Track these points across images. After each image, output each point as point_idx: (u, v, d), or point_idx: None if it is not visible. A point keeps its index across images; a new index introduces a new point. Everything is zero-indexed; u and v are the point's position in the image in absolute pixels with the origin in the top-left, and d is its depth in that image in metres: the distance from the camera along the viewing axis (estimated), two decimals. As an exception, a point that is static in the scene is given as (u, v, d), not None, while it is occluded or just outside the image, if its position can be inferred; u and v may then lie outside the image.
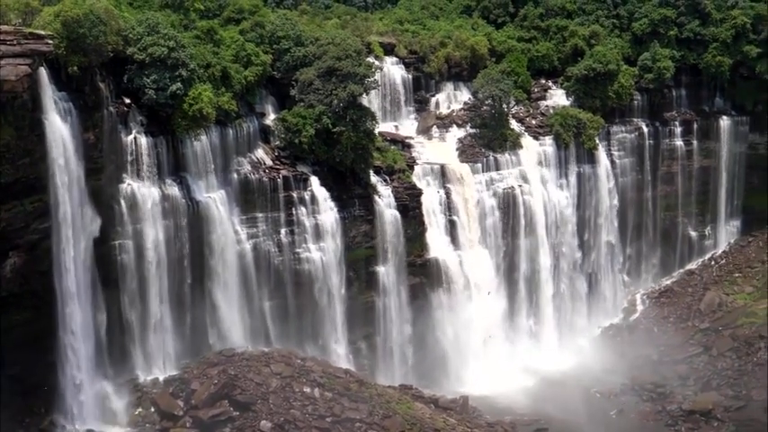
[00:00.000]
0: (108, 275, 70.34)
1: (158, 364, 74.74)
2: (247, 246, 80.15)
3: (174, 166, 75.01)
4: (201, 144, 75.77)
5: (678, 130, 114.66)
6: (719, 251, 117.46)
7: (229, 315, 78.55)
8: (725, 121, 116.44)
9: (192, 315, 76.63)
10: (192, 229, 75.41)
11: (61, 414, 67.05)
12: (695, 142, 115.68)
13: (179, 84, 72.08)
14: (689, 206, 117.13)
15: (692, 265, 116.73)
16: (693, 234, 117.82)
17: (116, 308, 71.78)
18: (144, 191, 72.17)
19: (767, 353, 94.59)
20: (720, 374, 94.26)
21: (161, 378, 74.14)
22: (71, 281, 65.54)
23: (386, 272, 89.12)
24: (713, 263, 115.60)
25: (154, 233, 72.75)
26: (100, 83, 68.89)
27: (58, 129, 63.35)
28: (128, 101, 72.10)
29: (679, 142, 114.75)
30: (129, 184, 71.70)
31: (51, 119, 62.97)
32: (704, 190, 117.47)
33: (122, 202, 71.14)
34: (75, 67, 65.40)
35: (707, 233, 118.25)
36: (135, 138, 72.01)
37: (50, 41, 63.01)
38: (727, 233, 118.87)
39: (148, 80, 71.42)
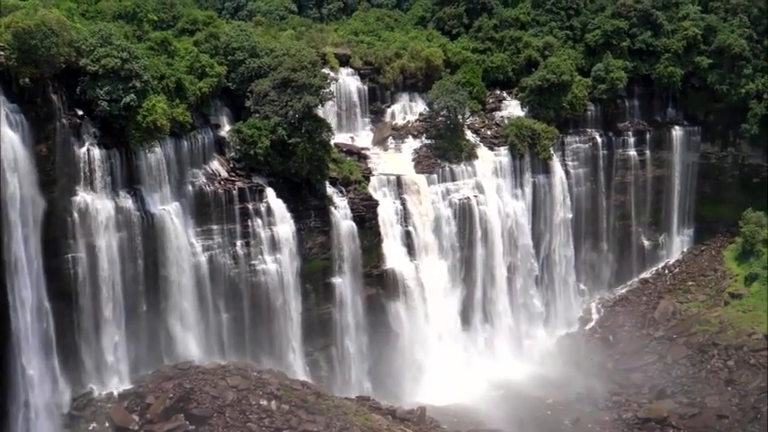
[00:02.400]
0: (61, 289, 69.48)
1: (113, 378, 73.86)
2: (203, 258, 79.59)
3: (128, 179, 74.31)
4: (156, 156, 75.22)
5: (631, 140, 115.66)
6: (673, 260, 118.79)
7: (185, 328, 78.01)
8: (677, 131, 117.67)
9: (146, 328, 75.96)
10: (146, 242, 74.82)
11: (14, 431, 66.13)
12: (648, 152, 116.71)
13: (132, 95, 71.51)
14: (643, 215, 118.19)
15: (646, 274, 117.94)
16: (647, 243, 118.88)
17: (69, 321, 70.84)
18: (97, 203, 71.39)
19: (720, 360, 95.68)
20: (675, 382, 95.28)
21: (115, 392, 73.32)
22: (24, 295, 64.76)
23: (342, 283, 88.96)
24: (667, 271, 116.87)
25: (107, 246, 72.00)
26: (52, 94, 68.11)
27: (10, 141, 62.72)
28: (80, 112, 71.44)
29: (632, 152, 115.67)
30: (83, 197, 70.89)
31: (2, 131, 62.37)
32: (657, 199, 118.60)
33: (75, 214, 70.31)
34: (27, 79, 64.64)
35: (660, 242, 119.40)
36: (88, 150, 71.28)
37: (1, 53, 62.41)
38: (680, 242, 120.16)
39: (101, 92, 70.77)
